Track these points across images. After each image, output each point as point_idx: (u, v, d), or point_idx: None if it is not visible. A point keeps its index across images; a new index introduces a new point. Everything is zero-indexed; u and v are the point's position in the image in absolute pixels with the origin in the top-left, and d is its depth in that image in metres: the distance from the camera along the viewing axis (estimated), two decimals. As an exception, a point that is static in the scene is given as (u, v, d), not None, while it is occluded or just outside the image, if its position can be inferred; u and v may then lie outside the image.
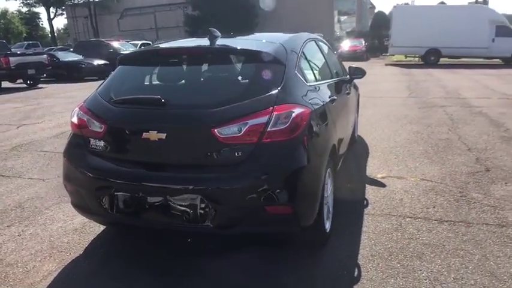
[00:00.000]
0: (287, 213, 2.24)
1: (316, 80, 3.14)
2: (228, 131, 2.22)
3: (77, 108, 2.72)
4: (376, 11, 47.87)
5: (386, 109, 8.01)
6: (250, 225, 2.27)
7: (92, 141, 2.54)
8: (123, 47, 20.21)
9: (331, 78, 3.68)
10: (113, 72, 2.86)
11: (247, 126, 2.21)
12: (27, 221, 3.44)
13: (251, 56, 2.60)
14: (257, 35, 3.50)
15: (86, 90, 9.78)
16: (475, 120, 6.69)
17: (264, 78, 2.44)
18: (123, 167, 2.44)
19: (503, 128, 6.12)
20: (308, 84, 2.78)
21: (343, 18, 43.44)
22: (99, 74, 16.23)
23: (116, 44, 20.30)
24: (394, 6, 20.45)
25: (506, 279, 2.41)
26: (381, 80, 13.51)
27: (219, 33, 2.83)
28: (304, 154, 2.29)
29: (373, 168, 4.49)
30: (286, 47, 2.75)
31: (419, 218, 3.25)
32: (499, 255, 2.66)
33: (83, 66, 16.91)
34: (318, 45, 3.73)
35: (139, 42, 27.13)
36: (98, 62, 17.11)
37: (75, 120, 2.66)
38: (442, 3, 29.18)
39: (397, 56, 23.52)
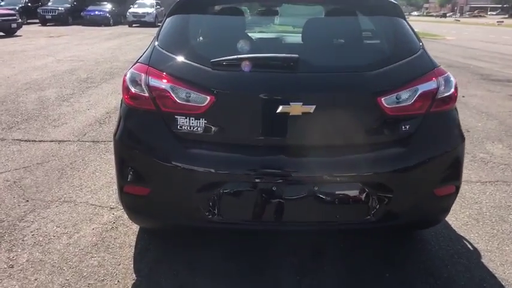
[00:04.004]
0: (450, 194, 1.94)
1: None
2: (396, 99, 1.76)
3: (135, 71, 1.84)
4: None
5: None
6: (416, 213, 1.89)
7: (182, 120, 1.75)
8: None
9: None
10: (171, 22, 2.01)
11: (418, 93, 1.79)
12: (6, 243, 2.35)
13: (380, 7, 2.10)
14: None
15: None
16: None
17: (404, 34, 2.00)
18: (244, 154, 1.75)
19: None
20: None
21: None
22: None
23: None
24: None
25: None
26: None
27: None
28: (460, 125, 1.99)
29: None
30: None
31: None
32: (559, 208, 2.87)
33: None
34: None
35: None
36: None
37: (140, 89, 1.79)
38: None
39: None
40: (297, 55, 1.72)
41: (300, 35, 2.11)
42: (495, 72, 9.25)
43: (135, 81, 1.83)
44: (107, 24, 22.54)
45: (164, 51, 1.88)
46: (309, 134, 1.75)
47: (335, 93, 1.76)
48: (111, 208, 2.75)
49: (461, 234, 2.53)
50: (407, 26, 2.06)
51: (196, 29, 2.08)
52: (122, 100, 1.92)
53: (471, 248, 2.38)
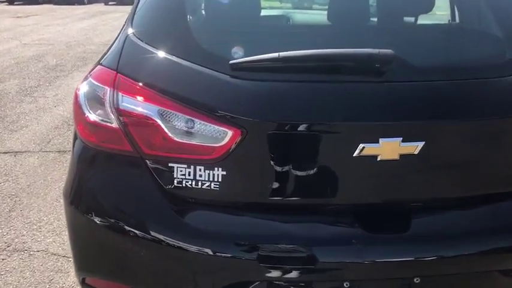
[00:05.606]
0: None
1: None
2: None
3: (95, 82, 1.05)
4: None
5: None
6: None
7: (182, 171, 0.98)
8: None
9: None
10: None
11: None
12: None
13: None
14: None
15: None
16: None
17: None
18: (294, 228, 1.00)
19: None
20: None
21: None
22: None
23: None
24: None
25: None
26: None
27: None
28: None
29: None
30: None
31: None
32: None
33: None
34: None
35: None
36: None
37: (104, 114, 1.02)
38: None
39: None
40: (391, 50, 0.95)
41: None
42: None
43: (95, 100, 1.04)
44: (81, 3, 21.23)
45: (144, 45, 1.09)
46: (409, 191, 1.01)
47: (457, 119, 1.01)
48: (80, 260, 1.99)
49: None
50: None
51: (197, 5, 1.29)
52: (74, 133, 1.13)
53: None
